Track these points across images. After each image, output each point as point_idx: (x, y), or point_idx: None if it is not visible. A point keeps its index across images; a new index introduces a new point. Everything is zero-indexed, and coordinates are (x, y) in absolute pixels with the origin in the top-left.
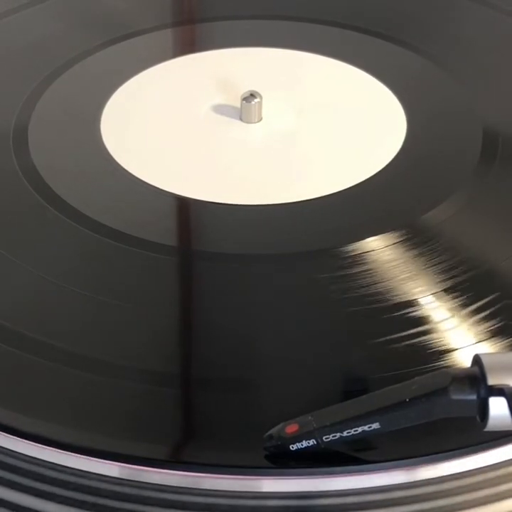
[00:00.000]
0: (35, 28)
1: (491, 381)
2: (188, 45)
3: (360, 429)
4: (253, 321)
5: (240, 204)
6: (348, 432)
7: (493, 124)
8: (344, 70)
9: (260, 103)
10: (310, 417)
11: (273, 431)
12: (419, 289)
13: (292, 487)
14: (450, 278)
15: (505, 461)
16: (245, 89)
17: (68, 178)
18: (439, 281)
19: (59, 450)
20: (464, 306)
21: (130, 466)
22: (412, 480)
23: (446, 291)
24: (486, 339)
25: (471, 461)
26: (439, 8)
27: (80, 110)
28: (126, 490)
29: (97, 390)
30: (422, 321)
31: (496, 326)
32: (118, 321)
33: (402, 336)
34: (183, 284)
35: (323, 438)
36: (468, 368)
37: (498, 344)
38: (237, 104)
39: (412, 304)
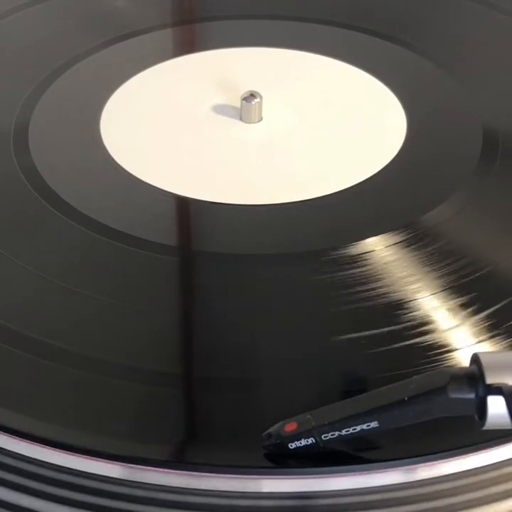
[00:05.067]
0: (35, 28)
1: (489, 380)
2: (188, 45)
3: (358, 428)
4: (253, 321)
5: (240, 204)
6: (346, 431)
7: (493, 124)
8: (344, 70)
9: (260, 103)
10: (309, 416)
11: (272, 429)
12: (419, 289)
13: (292, 487)
14: (450, 278)
15: (505, 460)
16: (245, 89)
17: (68, 178)
18: (439, 281)
19: (59, 450)
20: (464, 305)
21: (130, 466)
22: (411, 480)
23: (445, 291)
24: (486, 339)
25: (471, 461)
26: (439, 8)
27: (80, 110)
28: (127, 490)
29: (97, 390)
30: (421, 320)
31: (495, 326)
32: (118, 321)
33: (401, 336)
34: (183, 284)
35: (322, 436)
36: (466, 367)
37: (498, 344)
38: (237, 104)
39: (411, 303)
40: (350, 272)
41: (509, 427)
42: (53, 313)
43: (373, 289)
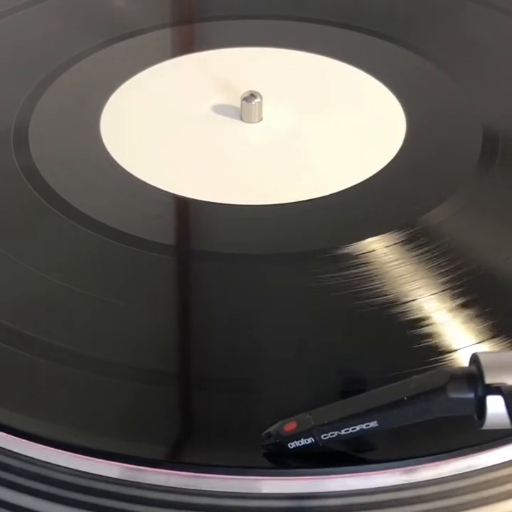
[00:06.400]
0: (35, 28)
1: (489, 380)
2: (188, 45)
3: (358, 428)
4: (253, 321)
5: (240, 204)
6: (346, 431)
7: (493, 124)
8: (344, 70)
9: (260, 103)
10: (308, 415)
11: (271, 429)
12: (419, 289)
13: (291, 487)
14: (450, 278)
15: (505, 461)
16: (245, 89)
17: (68, 177)
18: (439, 282)
19: (59, 450)
20: (464, 305)
21: (130, 466)
22: (411, 480)
23: (445, 291)
24: (485, 339)
25: (471, 462)
26: (439, 8)
27: (80, 110)
28: (126, 490)
29: (96, 389)
30: (421, 320)
31: (495, 326)
32: (118, 320)
33: (401, 336)
34: (182, 284)
35: (322, 436)
36: (466, 367)
37: (497, 344)
38: (237, 104)
39: (411, 304)
40: (350, 271)
41: (508, 427)
42: (53, 313)
43: (373, 288)
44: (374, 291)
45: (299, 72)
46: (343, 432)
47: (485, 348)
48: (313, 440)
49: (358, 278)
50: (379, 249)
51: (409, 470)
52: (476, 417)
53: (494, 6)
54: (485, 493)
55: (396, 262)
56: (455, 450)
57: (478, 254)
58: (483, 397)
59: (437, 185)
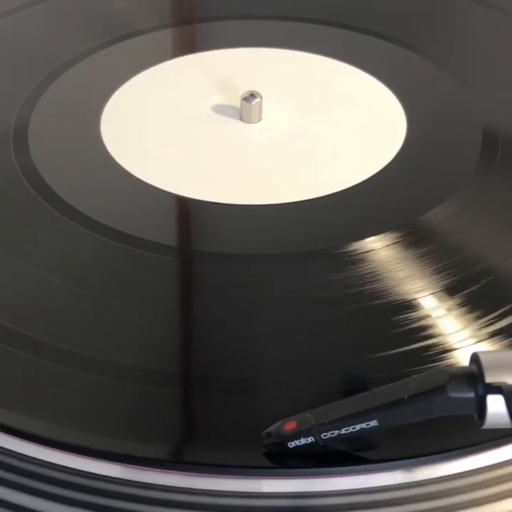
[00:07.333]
0: (35, 28)
1: (489, 379)
2: (188, 45)
3: (358, 427)
4: (253, 321)
5: (240, 204)
6: (346, 430)
7: (493, 124)
8: (344, 70)
9: (260, 103)
10: (308, 415)
11: (271, 428)
12: (419, 288)
13: (292, 487)
14: (450, 278)
15: (505, 461)
16: (245, 89)
17: (68, 177)
18: (439, 281)
19: (59, 450)
20: (464, 305)
21: (130, 466)
22: (411, 480)
23: (445, 291)
24: (486, 339)
25: (471, 461)
26: (439, 8)
27: (80, 110)
28: (126, 490)
29: (97, 390)
30: (421, 320)
31: (495, 325)
32: (118, 321)
33: (401, 336)
34: (182, 284)
35: (322, 435)
36: (466, 366)
37: (498, 344)
38: (237, 104)
39: (411, 303)
40: (350, 271)
41: (508, 426)
42: (53, 313)
43: (373, 288)
44: (374, 291)
45: (299, 72)
46: (343, 431)
47: (485, 347)
48: (313, 439)
49: (358, 278)
50: (379, 249)
51: (409, 470)
52: (476, 416)
53: (494, 6)
54: (485, 493)
55: (396, 262)
56: (455, 450)
57: (478, 254)
58: (484, 397)
59: (437, 185)
